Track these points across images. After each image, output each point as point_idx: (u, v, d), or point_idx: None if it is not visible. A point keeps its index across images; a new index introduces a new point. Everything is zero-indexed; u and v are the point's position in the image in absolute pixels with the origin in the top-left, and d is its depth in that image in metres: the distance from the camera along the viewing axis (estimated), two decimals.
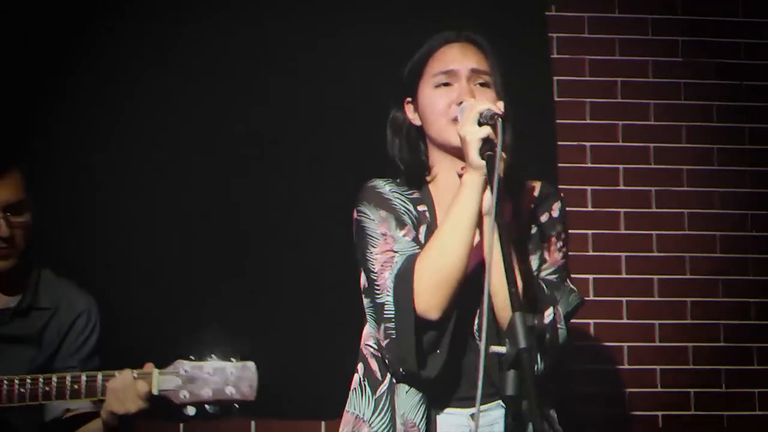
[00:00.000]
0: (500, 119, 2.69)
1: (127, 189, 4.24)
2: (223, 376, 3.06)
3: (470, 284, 2.83)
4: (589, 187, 4.65)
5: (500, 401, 2.84)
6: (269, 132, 4.34)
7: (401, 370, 2.85)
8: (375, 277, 2.88)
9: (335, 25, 4.37)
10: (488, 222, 2.75)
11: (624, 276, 4.63)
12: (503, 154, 2.65)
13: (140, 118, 4.24)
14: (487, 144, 2.72)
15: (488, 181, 2.70)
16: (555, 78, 4.66)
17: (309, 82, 4.35)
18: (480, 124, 2.74)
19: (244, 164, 4.33)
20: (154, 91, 4.26)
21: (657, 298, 4.62)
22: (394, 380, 2.92)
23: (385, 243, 2.91)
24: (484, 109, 2.75)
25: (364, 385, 2.99)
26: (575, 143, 4.66)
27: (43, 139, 4.14)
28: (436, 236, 2.85)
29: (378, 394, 2.95)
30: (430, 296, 2.80)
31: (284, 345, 4.16)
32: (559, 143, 4.65)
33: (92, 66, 4.25)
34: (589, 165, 4.66)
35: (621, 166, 4.67)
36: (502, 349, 2.34)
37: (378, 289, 2.87)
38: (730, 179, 4.69)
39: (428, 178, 3.03)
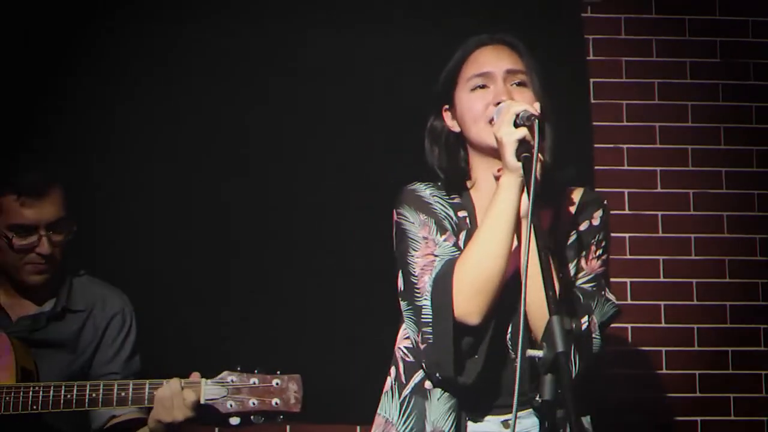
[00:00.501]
0: (537, 120, 2.66)
1: (127, 190, 4.26)
2: (268, 387, 3.11)
3: (506, 291, 2.80)
4: (626, 190, 4.60)
5: (532, 409, 2.81)
6: (269, 132, 4.34)
7: (438, 375, 2.83)
8: (415, 281, 2.86)
9: (335, 25, 4.36)
10: (526, 225, 2.71)
11: (662, 279, 4.58)
12: (540, 156, 2.64)
13: (140, 118, 4.26)
14: (523, 145, 2.69)
15: (525, 183, 2.68)
16: (591, 80, 4.63)
17: (309, 82, 4.34)
18: (516, 125, 2.72)
19: (244, 164, 4.34)
20: (154, 91, 4.27)
21: (696, 302, 4.57)
22: (426, 384, 2.89)
23: (426, 246, 2.88)
24: (520, 110, 2.73)
25: (395, 388, 2.97)
26: (612, 145, 4.61)
27: (43, 139, 4.16)
28: (475, 240, 2.82)
29: (402, 397, 2.94)
30: (470, 301, 2.77)
31: (318, 349, 4.17)
32: (596, 146, 4.61)
33: (92, 66, 4.26)
34: (627, 167, 4.61)
35: (659, 169, 4.62)
36: (539, 353, 2.32)
37: (418, 293, 2.85)
38: None
39: (469, 184, 3.00)
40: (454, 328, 2.77)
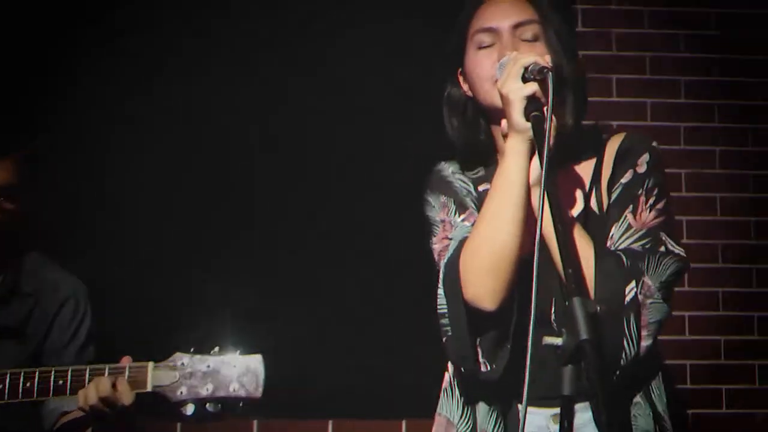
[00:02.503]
0: (550, 74, 2.34)
1: (127, 189, 4.21)
2: (225, 370, 2.74)
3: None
4: None
5: (588, 402, 2.48)
6: (269, 132, 4.30)
7: (462, 369, 2.54)
8: (438, 268, 2.59)
9: (335, 25, 4.32)
10: (537, 194, 2.40)
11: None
12: (554, 117, 2.30)
13: (140, 118, 4.20)
14: (533, 103, 2.38)
15: (536, 146, 2.37)
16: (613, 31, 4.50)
17: (309, 81, 4.29)
18: (525, 79, 2.41)
19: (244, 163, 4.31)
20: (154, 91, 4.21)
21: (755, 290, 4.41)
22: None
23: (443, 230, 2.62)
24: (529, 63, 2.41)
25: (453, 386, 2.67)
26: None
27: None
28: (481, 216, 2.52)
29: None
30: (479, 283, 2.46)
31: (288, 338, 3.95)
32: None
33: (92, 66, 4.19)
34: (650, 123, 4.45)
35: (682, 125, 4.46)
36: (558, 341, 2.05)
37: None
38: None
39: (499, 156, 2.63)
40: (466, 314, 2.47)
